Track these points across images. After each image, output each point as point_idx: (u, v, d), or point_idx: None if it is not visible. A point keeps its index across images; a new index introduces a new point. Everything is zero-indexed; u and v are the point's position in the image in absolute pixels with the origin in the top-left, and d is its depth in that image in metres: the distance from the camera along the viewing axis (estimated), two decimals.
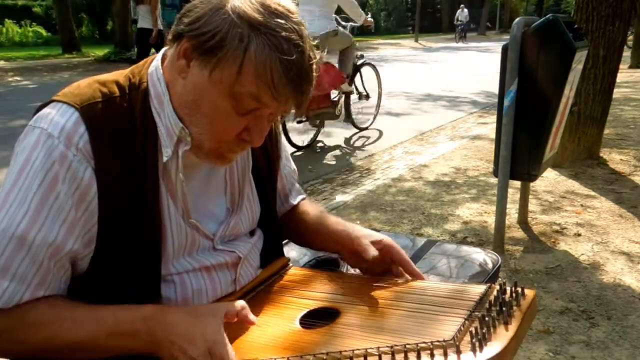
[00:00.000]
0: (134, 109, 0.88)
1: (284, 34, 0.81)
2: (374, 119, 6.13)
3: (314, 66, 0.86)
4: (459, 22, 27.27)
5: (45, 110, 0.86)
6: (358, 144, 5.49)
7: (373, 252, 1.00)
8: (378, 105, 6.25)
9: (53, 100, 0.87)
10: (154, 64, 0.92)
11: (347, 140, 5.64)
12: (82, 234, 0.84)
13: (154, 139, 0.88)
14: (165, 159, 0.87)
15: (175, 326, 0.80)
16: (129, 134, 0.86)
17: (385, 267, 1.04)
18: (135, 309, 0.83)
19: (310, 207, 1.20)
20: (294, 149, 5.02)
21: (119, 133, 0.85)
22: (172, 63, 0.88)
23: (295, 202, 1.21)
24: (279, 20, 0.81)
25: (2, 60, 13.50)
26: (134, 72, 0.92)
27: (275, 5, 0.83)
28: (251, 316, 0.84)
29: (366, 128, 5.97)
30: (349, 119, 5.61)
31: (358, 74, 5.88)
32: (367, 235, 1.06)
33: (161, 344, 0.79)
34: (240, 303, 0.85)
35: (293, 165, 1.22)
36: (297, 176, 1.25)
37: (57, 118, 0.83)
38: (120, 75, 0.92)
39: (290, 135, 4.96)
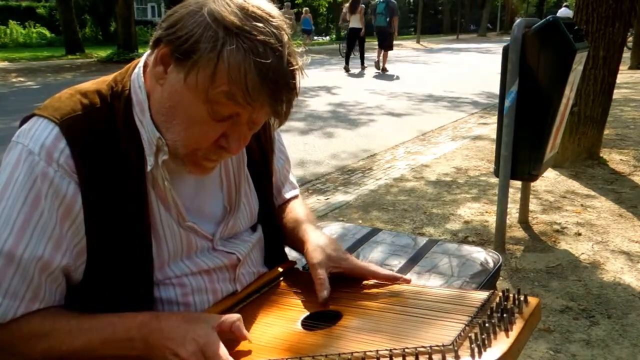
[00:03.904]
0: (116, 119, 0.86)
1: (260, 37, 0.77)
2: None
3: (296, 72, 0.82)
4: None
5: (27, 125, 0.85)
6: (360, 143, 5.51)
7: (324, 295, 0.94)
8: None
9: (35, 114, 0.86)
10: (136, 71, 0.90)
11: (349, 140, 5.66)
12: (70, 248, 0.84)
13: (138, 148, 0.86)
14: (149, 167, 0.86)
15: (168, 331, 0.80)
16: (112, 145, 0.85)
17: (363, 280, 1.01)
18: (130, 317, 0.83)
19: (294, 209, 1.17)
20: None
21: (101, 145, 0.84)
22: (151, 70, 0.86)
23: (287, 197, 1.20)
24: (257, 23, 0.78)
25: (6, 61, 13.55)
26: (116, 80, 0.90)
27: (254, 8, 0.80)
28: (244, 331, 0.82)
29: None
30: None
31: None
32: (327, 257, 1.00)
33: (155, 350, 0.80)
34: (236, 316, 0.83)
35: (287, 155, 1.19)
36: (291, 167, 1.23)
37: (37, 134, 0.82)
38: (102, 83, 0.90)
39: None
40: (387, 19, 12.12)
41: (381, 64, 12.57)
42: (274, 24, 0.80)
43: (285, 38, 0.81)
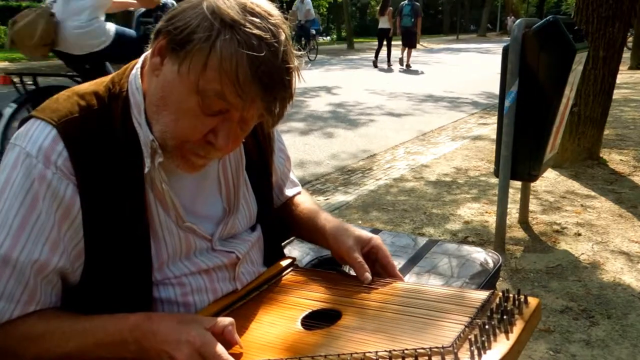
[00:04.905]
0: (114, 121, 0.86)
1: (255, 31, 0.78)
2: None
3: (292, 71, 0.82)
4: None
5: (24, 127, 0.85)
6: (360, 144, 5.51)
7: (368, 277, 0.98)
8: None
9: (32, 117, 0.86)
10: (134, 72, 0.90)
11: (349, 141, 5.66)
12: (68, 250, 0.84)
13: (135, 150, 0.86)
14: (146, 169, 0.86)
15: (161, 334, 0.79)
16: (109, 147, 0.85)
17: (370, 266, 1.03)
18: (123, 319, 0.82)
19: (304, 201, 1.19)
20: None
21: (99, 147, 0.84)
22: (149, 62, 0.86)
23: (290, 195, 1.20)
24: (254, 18, 0.79)
25: (6, 61, 13.54)
26: (114, 81, 0.90)
27: (253, 5, 0.81)
28: (236, 336, 0.81)
29: None
30: None
31: None
32: (356, 240, 1.03)
33: (149, 352, 0.79)
34: (229, 320, 0.82)
35: (287, 154, 1.20)
36: (291, 165, 1.23)
37: (35, 136, 0.83)
38: (100, 85, 0.90)
39: None
40: (412, 20, 13.43)
41: (405, 61, 13.64)
42: (272, 21, 0.81)
43: (283, 36, 0.81)
